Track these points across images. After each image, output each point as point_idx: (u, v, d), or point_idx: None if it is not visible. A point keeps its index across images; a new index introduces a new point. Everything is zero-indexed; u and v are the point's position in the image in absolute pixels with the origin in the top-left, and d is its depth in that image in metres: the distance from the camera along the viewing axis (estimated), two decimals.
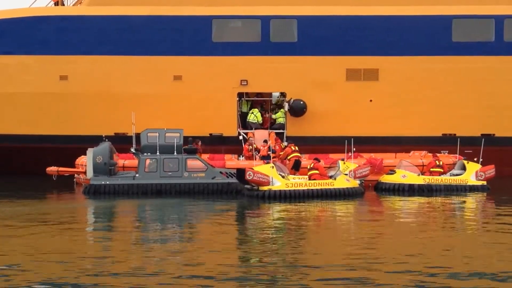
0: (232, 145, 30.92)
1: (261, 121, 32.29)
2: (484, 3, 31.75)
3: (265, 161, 26.28)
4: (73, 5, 34.00)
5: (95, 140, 28.06)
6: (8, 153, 31.89)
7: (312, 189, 24.08)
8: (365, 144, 29.36)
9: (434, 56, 31.58)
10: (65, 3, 34.02)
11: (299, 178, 25.50)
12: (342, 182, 24.60)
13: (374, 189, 26.96)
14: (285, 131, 32.10)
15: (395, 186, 26.40)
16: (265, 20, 31.88)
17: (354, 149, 27.20)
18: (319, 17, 31.83)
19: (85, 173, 26.92)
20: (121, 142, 29.00)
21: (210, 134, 31.79)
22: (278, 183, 23.99)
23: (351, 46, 31.80)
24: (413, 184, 26.32)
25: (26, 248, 15.24)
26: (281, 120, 32.36)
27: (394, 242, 16.39)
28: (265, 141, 28.97)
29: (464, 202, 24.65)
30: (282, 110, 32.61)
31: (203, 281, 12.14)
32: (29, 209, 21.56)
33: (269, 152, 26.72)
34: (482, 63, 31.55)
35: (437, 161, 27.52)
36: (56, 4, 33.35)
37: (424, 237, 16.87)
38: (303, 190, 24.03)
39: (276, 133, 31.53)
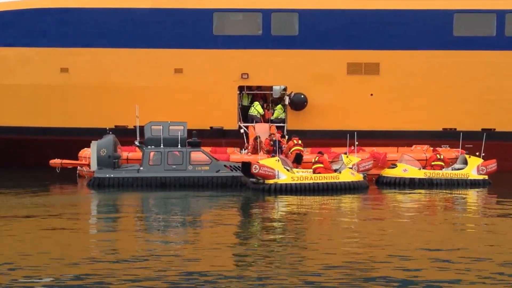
0: (232, 138, 30.92)
1: (263, 113, 32.28)
2: None
3: (270, 154, 26.28)
4: None
5: (95, 133, 28.02)
6: (9, 145, 31.73)
7: (317, 183, 24.07)
8: (365, 138, 29.39)
9: (435, 51, 31.63)
10: None
11: (303, 172, 25.55)
12: (347, 175, 24.62)
13: (376, 183, 27.07)
14: (285, 125, 32.13)
15: (396, 180, 26.54)
16: (266, 13, 31.84)
17: (357, 142, 27.28)
18: (321, 10, 31.82)
19: (89, 165, 26.86)
20: (122, 135, 28.92)
21: (211, 127, 31.76)
22: (284, 177, 23.99)
23: (352, 40, 31.81)
24: (414, 178, 26.45)
25: (30, 240, 15.24)
26: (282, 116, 32.37)
27: (396, 234, 16.41)
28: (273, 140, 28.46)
29: (465, 196, 24.71)
30: (280, 105, 32.60)
31: (205, 277, 12.06)
32: (31, 201, 21.42)
33: (272, 144, 26.73)
34: (483, 57, 31.65)
35: (437, 155, 27.65)
36: None
37: (424, 231, 16.93)
38: (309, 183, 24.01)
39: (277, 127, 31.48)
